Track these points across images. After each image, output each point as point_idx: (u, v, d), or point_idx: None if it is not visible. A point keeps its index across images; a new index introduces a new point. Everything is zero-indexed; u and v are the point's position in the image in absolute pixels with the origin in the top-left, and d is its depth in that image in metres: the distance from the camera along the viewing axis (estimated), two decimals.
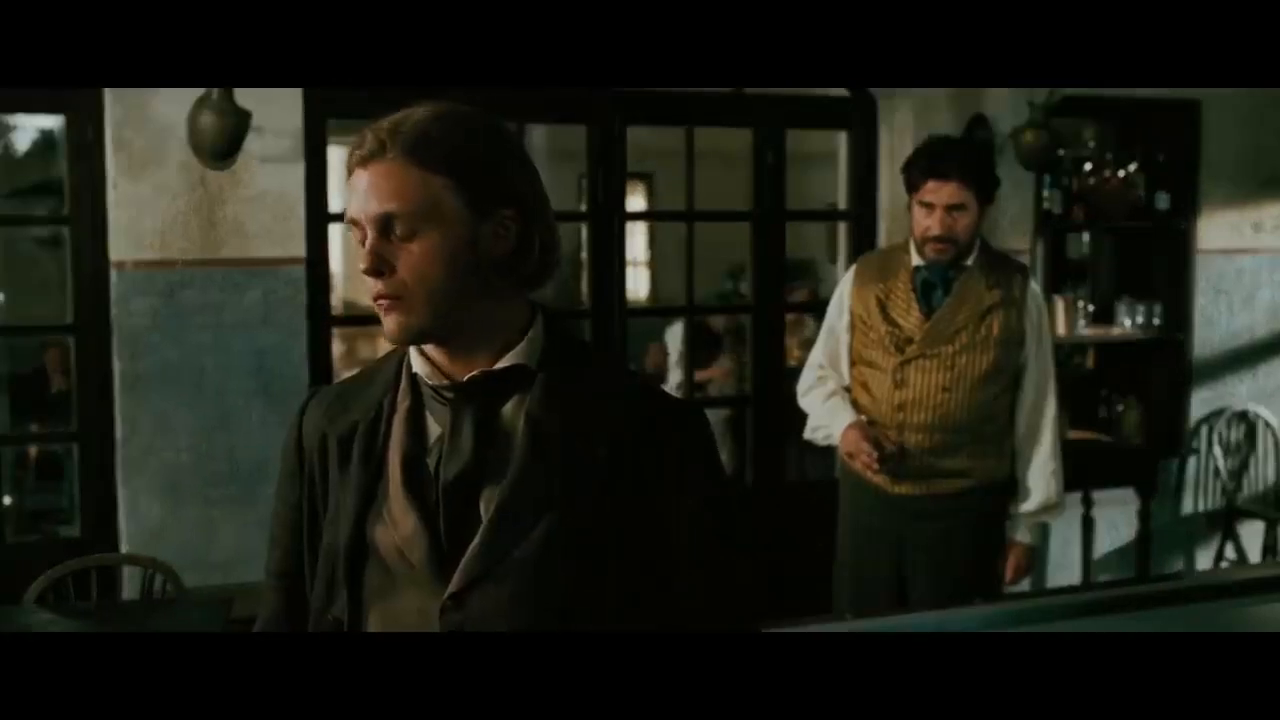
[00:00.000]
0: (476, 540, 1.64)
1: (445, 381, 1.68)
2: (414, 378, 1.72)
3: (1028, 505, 3.74)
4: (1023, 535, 3.76)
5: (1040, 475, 3.72)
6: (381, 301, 1.63)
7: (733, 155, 5.76)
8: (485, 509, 1.65)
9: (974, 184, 3.62)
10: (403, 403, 1.72)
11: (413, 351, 1.71)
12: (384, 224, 1.62)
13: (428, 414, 1.71)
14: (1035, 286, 3.75)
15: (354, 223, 1.64)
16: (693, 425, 1.72)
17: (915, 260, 3.74)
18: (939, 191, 3.61)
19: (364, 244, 1.63)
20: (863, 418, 3.74)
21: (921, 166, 3.66)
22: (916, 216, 3.68)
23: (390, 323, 1.64)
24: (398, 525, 1.68)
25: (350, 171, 1.65)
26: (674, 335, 7.60)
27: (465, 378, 1.67)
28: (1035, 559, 3.92)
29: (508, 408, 1.67)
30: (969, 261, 3.69)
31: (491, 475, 1.65)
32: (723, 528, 1.74)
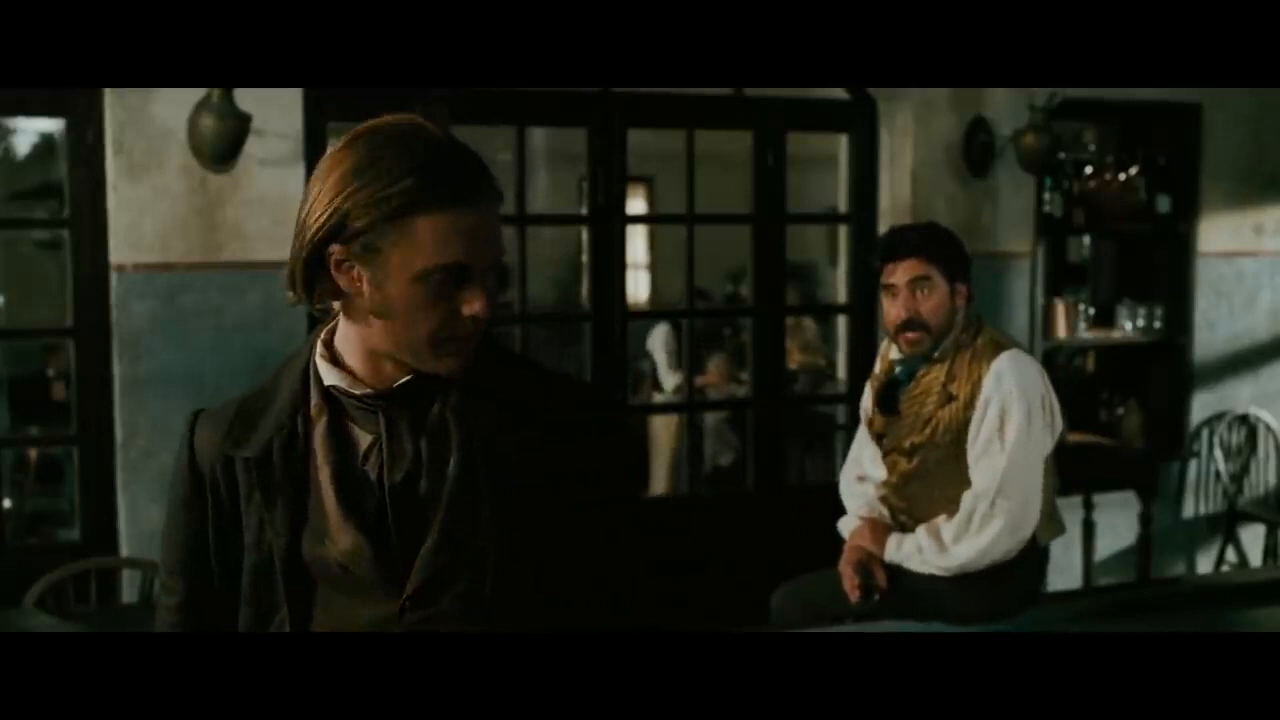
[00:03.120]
0: (432, 537, 1.65)
1: (369, 390, 1.66)
2: (327, 390, 1.69)
3: (905, 547, 3.48)
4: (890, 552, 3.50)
5: (924, 543, 3.42)
6: (463, 341, 1.65)
7: (733, 159, 5.75)
8: (434, 508, 1.65)
9: (936, 258, 3.40)
10: (320, 417, 1.69)
11: (321, 364, 1.70)
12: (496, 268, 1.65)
13: (351, 424, 1.69)
14: (1005, 378, 3.34)
15: (463, 266, 1.60)
16: (605, 426, 1.79)
17: (894, 353, 3.59)
18: (897, 270, 3.42)
19: (454, 286, 1.62)
20: (863, 527, 3.59)
21: (879, 252, 3.51)
22: (884, 307, 3.49)
23: (462, 360, 1.66)
24: (336, 540, 1.67)
25: (453, 207, 1.59)
26: (656, 340, 7.56)
27: (397, 383, 1.66)
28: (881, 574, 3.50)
29: (434, 409, 1.67)
30: (937, 354, 3.43)
31: (434, 474, 1.65)
32: (612, 532, 1.76)
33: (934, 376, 3.44)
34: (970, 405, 3.37)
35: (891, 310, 3.45)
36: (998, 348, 3.40)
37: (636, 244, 9.70)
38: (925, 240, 3.47)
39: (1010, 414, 3.33)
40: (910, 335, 3.43)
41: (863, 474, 3.71)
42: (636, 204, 9.18)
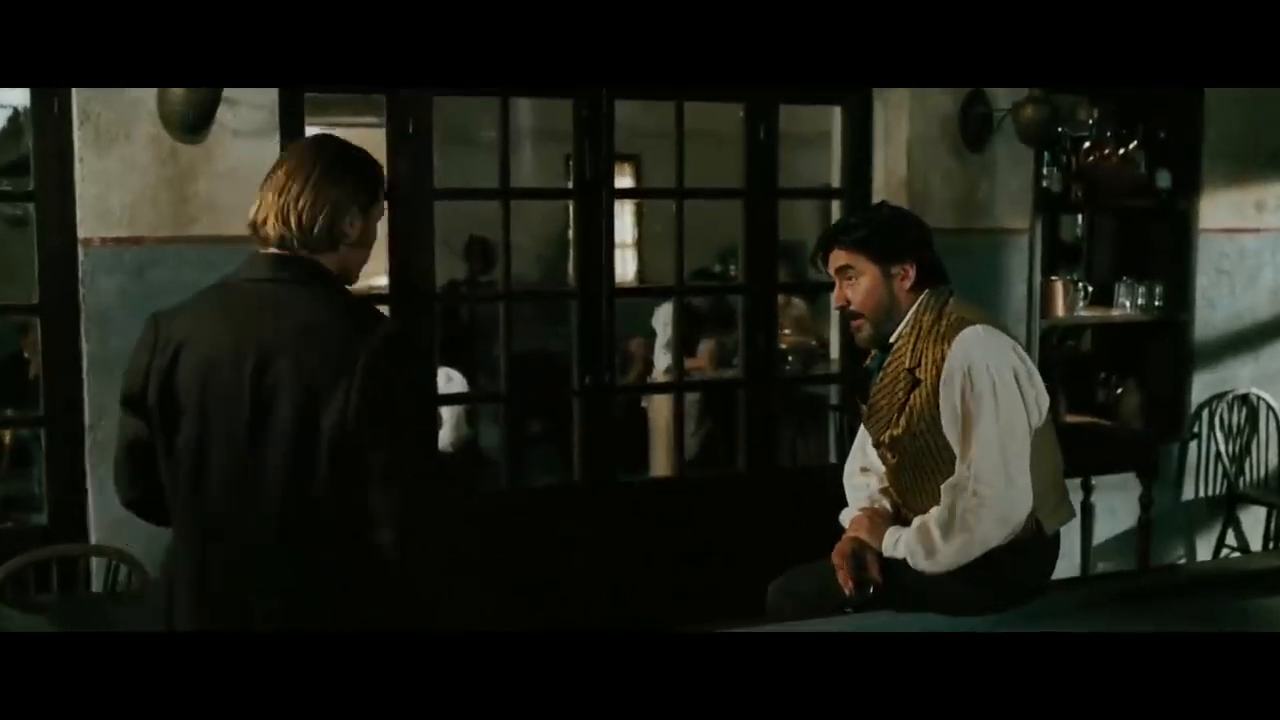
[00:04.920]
0: None
1: None
2: None
3: (892, 541, 3.28)
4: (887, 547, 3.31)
5: (913, 547, 3.20)
6: None
7: (722, 137, 5.60)
8: None
9: (856, 245, 3.25)
10: None
11: None
12: None
13: None
14: (962, 357, 3.13)
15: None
16: (371, 328, 2.38)
17: None
18: (828, 262, 3.33)
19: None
20: (861, 518, 3.41)
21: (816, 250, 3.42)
22: None
23: None
24: None
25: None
26: (661, 318, 7.43)
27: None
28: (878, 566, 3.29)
29: None
30: (893, 339, 3.28)
31: None
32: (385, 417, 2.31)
33: (899, 362, 3.26)
34: (938, 389, 3.19)
35: None
36: (961, 325, 3.19)
37: (623, 224, 9.55)
38: (845, 229, 3.33)
39: (973, 394, 3.11)
40: (854, 324, 3.35)
41: (866, 465, 3.55)
42: (623, 183, 9.00)
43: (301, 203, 2.44)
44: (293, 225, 2.45)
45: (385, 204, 2.77)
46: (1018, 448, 3.12)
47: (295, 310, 2.40)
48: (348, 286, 2.69)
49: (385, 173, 2.65)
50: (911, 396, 3.22)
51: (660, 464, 7.08)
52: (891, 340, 3.29)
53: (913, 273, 3.25)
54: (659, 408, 7.19)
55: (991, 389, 3.10)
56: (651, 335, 7.53)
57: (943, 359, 3.16)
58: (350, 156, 2.52)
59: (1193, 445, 6.19)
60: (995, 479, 3.09)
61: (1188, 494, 6.23)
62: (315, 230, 2.45)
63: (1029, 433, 3.15)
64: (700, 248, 7.47)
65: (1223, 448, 6.16)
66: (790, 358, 7.37)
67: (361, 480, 2.30)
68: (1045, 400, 3.21)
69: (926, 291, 3.27)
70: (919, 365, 3.21)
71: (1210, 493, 6.24)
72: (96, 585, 4.17)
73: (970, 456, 3.11)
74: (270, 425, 2.34)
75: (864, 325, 3.30)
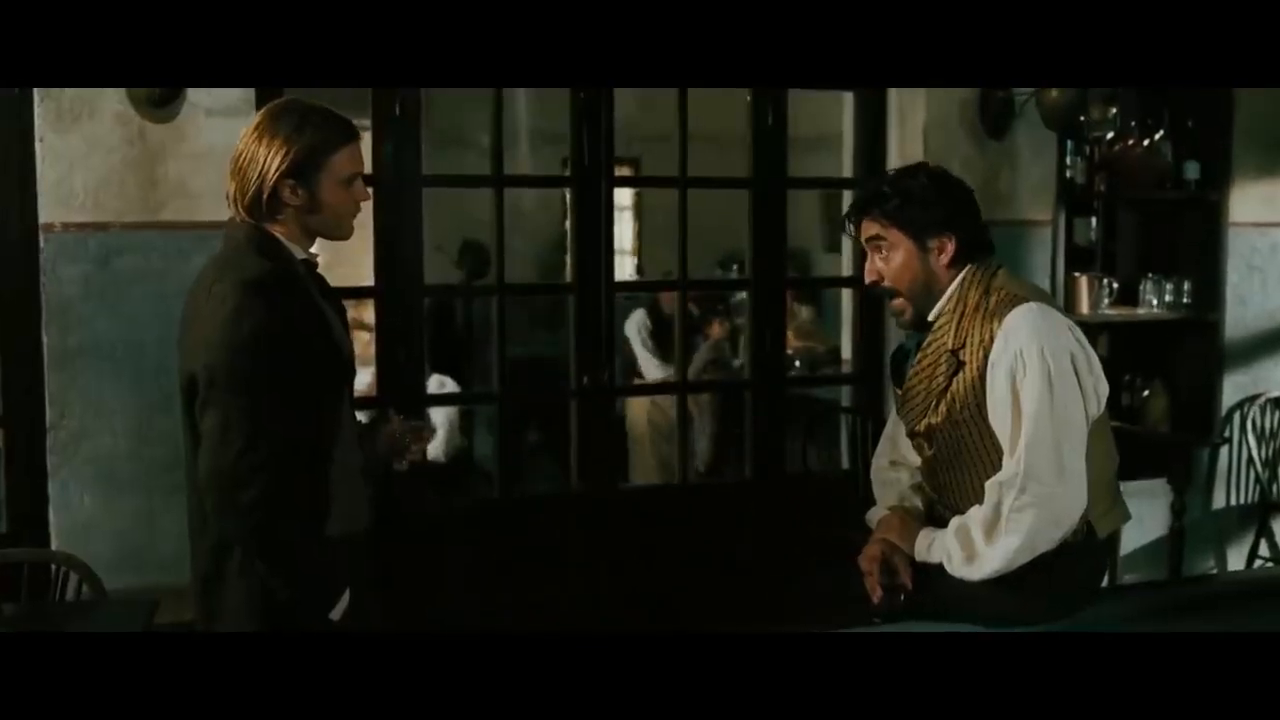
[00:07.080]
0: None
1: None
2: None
3: (926, 544, 2.99)
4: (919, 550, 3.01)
5: (952, 550, 2.89)
6: (355, 216, 2.72)
7: (725, 140, 5.41)
8: None
9: (889, 214, 2.92)
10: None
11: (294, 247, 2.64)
12: None
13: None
14: (1014, 336, 2.81)
15: (359, 172, 2.68)
16: (217, 293, 2.47)
17: None
18: (859, 230, 3.00)
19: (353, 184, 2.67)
20: (890, 519, 3.11)
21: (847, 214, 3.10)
22: None
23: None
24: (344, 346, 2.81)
25: (349, 141, 2.65)
26: (633, 325, 7.17)
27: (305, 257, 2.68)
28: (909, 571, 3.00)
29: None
30: (933, 317, 2.96)
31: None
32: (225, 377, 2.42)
33: (940, 343, 2.93)
34: (984, 373, 2.87)
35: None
36: (1013, 302, 2.86)
37: (623, 230, 9.34)
38: (877, 197, 2.97)
39: (1024, 378, 2.79)
40: (891, 304, 3.01)
41: (897, 458, 3.23)
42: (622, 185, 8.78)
43: (236, 172, 2.54)
44: (232, 195, 2.55)
45: (354, 174, 2.61)
46: (1074, 442, 2.79)
47: (205, 280, 2.55)
48: (309, 255, 2.66)
49: (340, 136, 2.58)
50: (954, 381, 2.90)
51: (656, 471, 6.88)
52: (931, 318, 2.98)
53: (951, 247, 2.93)
54: (637, 413, 6.99)
55: (1046, 375, 2.77)
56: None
57: (990, 340, 2.84)
58: (279, 124, 2.52)
59: (1223, 450, 5.91)
60: (1048, 476, 2.77)
61: (1218, 501, 5.95)
62: (248, 199, 2.52)
63: (1086, 425, 2.83)
64: (704, 256, 7.24)
65: (1255, 453, 5.88)
66: (797, 364, 7.15)
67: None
68: (1105, 389, 2.88)
69: (970, 265, 2.95)
70: (963, 346, 2.89)
71: (1241, 500, 5.95)
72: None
73: (1020, 450, 2.79)
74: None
75: (899, 305, 2.98)
